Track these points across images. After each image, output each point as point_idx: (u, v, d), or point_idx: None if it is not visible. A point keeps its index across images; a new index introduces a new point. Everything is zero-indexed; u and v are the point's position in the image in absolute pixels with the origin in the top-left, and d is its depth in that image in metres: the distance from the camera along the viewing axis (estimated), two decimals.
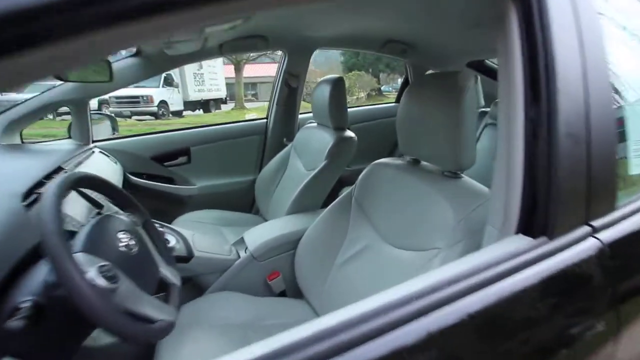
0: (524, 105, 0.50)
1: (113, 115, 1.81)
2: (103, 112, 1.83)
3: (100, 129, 1.70)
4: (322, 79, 1.51)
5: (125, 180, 1.63)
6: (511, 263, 0.44)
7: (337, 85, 1.41)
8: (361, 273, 0.98)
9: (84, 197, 1.04)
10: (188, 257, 1.03)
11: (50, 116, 7.05)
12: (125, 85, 1.45)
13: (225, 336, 0.92)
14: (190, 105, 11.40)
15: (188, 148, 1.75)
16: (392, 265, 0.90)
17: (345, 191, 1.13)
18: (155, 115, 9.51)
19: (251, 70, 14.68)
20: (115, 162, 1.56)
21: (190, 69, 11.35)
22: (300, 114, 2.00)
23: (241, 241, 1.24)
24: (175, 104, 10.55)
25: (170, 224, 1.56)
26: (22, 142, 1.41)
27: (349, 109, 1.76)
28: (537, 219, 0.48)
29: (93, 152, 1.47)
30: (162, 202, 1.75)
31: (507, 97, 0.52)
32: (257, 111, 10.01)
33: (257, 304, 1.07)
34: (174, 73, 10.79)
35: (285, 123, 1.88)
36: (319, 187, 1.41)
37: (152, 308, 0.63)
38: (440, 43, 1.66)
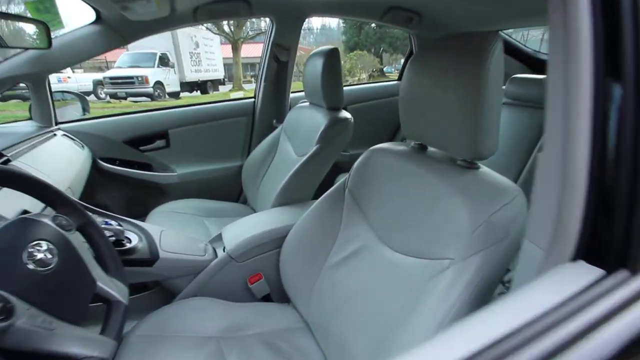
0: (593, 83, 0.32)
1: (82, 94, 1.62)
2: (71, 91, 1.63)
3: (69, 110, 1.52)
4: (314, 50, 1.31)
5: (95, 166, 1.46)
6: (600, 308, 0.28)
7: (332, 57, 1.22)
8: (355, 279, 0.83)
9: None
10: (152, 260, 0.88)
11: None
12: (87, 57, 1.26)
13: (194, 350, 0.78)
14: (187, 86, 11.06)
15: (166, 131, 1.57)
16: (392, 272, 0.74)
17: (342, 178, 0.97)
18: (151, 96, 9.23)
19: (250, 50, 14.18)
20: (82, 147, 1.39)
21: (186, 48, 10.96)
22: (293, 92, 1.81)
23: (219, 238, 1.08)
24: (172, 85, 10.24)
25: (146, 215, 1.42)
26: None
27: (346, 87, 1.57)
28: (611, 244, 0.31)
29: (55, 135, 1.29)
30: (139, 191, 1.59)
31: (563, 71, 0.35)
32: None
33: (235, 311, 0.92)
34: (170, 53, 10.44)
35: (274, 103, 1.69)
36: (310, 176, 1.25)
37: (70, 343, 0.48)
38: (452, 7, 1.44)
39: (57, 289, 0.50)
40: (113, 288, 0.62)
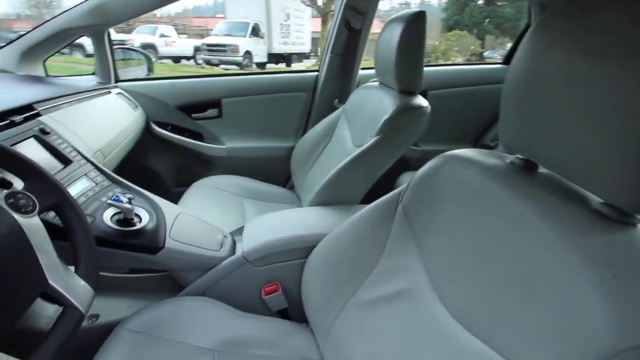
0: None
1: (149, 54, 1.59)
2: (138, 49, 1.61)
3: (133, 69, 1.50)
4: (393, 16, 1.03)
5: (148, 129, 1.43)
6: None
7: (414, 25, 0.93)
8: (387, 334, 0.60)
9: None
10: (155, 248, 0.76)
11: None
12: (144, 11, 1.17)
13: (177, 358, 0.65)
14: (274, 57, 11.30)
15: (219, 100, 1.46)
16: (446, 351, 0.49)
17: (407, 178, 0.72)
18: (239, 65, 9.66)
19: None
20: (135, 107, 1.35)
21: (277, 19, 11.12)
22: (365, 68, 1.54)
23: (241, 232, 0.93)
24: (260, 55, 10.55)
25: (189, 185, 1.35)
26: (47, 75, 1.27)
27: (430, 68, 1.25)
28: None
29: (109, 92, 1.27)
30: (187, 160, 1.53)
31: None
32: None
33: (241, 323, 0.77)
34: (262, 23, 10.70)
35: (339, 79, 1.45)
36: (362, 173, 1.00)
37: None
38: None
39: None
40: (72, 290, 0.50)
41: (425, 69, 1.00)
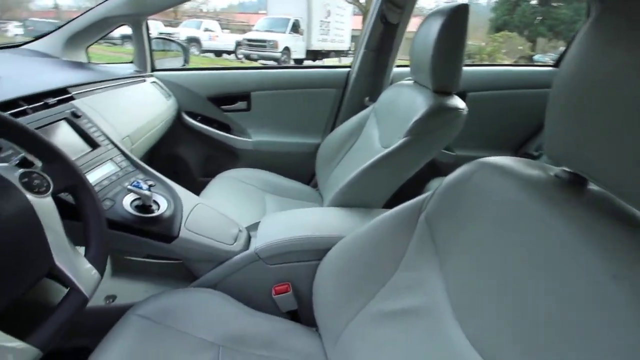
0: None
1: (185, 44, 1.63)
2: (176, 40, 1.65)
3: (169, 59, 1.54)
4: (435, 9, 0.96)
5: (179, 118, 1.46)
6: None
7: (455, 19, 0.86)
8: (398, 352, 0.55)
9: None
10: (170, 237, 0.75)
11: None
12: (180, 1, 1.18)
13: (188, 353, 0.64)
14: (311, 54, 11.33)
15: (248, 93, 1.46)
16: None
17: (437, 185, 0.66)
18: (277, 60, 9.78)
19: None
20: (168, 97, 1.38)
21: (317, 16, 11.12)
22: (400, 66, 1.47)
23: (257, 227, 0.91)
24: (298, 52, 10.62)
25: (215, 176, 1.36)
26: (89, 62, 1.33)
27: (470, 68, 1.17)
28: None
29: (144, 80, 1.30)
30: (214, 151, 1.55)
31: None
32: None
33: (249, 320, 0.75)
34: (302, 20, 10.75)
35: (372, 76, 1.39)
36: (386, 175, 0.95)
37: None
38: None
39: None
40: (78, 273, 0.50)
41: (466, 68, 0.93)
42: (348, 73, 1.45)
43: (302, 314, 0.84)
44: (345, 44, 13.03)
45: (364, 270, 0.67)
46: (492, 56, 12.24)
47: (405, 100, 1.02)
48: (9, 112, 0.68)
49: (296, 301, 0.82)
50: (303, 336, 0.75)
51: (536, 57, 13.75)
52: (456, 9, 0.86)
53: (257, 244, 0.82)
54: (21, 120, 0.69)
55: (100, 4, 1.17)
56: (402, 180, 0.96)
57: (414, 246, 0.62)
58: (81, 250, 0.55)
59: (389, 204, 1.00)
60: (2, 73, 0.89)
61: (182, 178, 1.61)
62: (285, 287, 0.81)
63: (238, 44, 10.94)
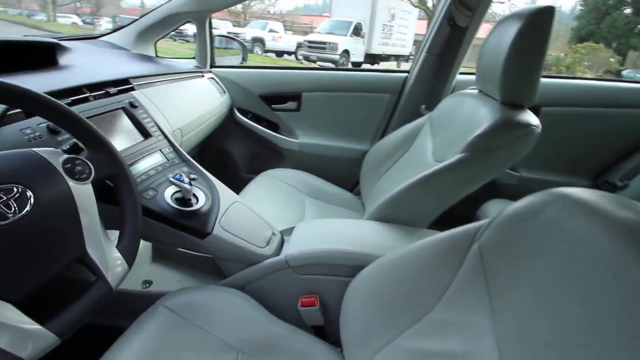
0: None
1: (244, 42, 1.66)
2: (236, 38, 1.69)
3: (228, 57, 1.59)
4: (508, 13, 0.85)
5: (231, 114, 1.49)
6: None
7: (536, 24, 0.75)
8: None
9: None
10: (204, 233, 0.75)
11: None
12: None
13: (208, 354, 0.63)
14: (370, 58, 11.20)
15: (300, 93, 1.44)
16: None
17: (495, 207, 0.57)
18: (335, 63, 9.82)
19: None
20: (223, 93, 1.41)
21: (381, 19, 10.97)
22: (464, 73, 1.35)
23: (291, 232, 0.88)
24: (357, 55, 10.57)
25: (258, 174, 1.37)
26: (157, 55, 1.41)
27: (548, 80, 1.04)
28: None
29: (202, 76, 1.34)
30: (261, 149, 1.56)
31: None
32: None
33: (272, 328, 0.72)
34: (364, 23, 10.68)
35: (431, 82, 1.29)
36: (437, 193, 0.86)
37: None
38: None
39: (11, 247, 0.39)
40: (107, 262, 0.50)
41: (542, 80, 0.80)
42: (405, 78, 1.37)
43: (328, 331, 0.79)
44: (406, 49, 12.69)
45: (399, 299, 0.60)
46: (570, 69, 11.07)
47: (467, 111, 0.92)
48: (73, 98, 0.72)
49: (322, 317, 0.77)
50: (325, 355, 0.70)
51: (625, 72, 12.14)
52: (539, 11, 0.74)
53: (288, 250, 0.79)
54: (82, 106, 0.74)
55: (169, 1, 1.24)
56: (453, 201, 0.86)
57: (460, 280, 0.54)
58: (114, 235, 0.56)
59: (436, 223, 0.91)
60: (77, 61, 0.96)
61: (228, 172, 1.65)
62: (312, 300, 0.77)
63: (299, 45, 11.19)
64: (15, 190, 0.41)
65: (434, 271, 0.57)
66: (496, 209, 1.31)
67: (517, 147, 0.78)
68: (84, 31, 11.66)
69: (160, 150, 0.86)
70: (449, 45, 1.22)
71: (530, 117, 0.79)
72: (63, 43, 1.01)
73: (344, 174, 1.48)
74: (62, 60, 0.93)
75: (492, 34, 0.86)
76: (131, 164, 0.76)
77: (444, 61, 1.25)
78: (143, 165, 0.79)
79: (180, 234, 0.75)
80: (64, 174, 0.48)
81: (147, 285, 0.90)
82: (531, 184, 1.35)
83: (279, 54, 11.42)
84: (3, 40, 0.81)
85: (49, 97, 0.48)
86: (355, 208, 1.29)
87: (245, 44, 1.69)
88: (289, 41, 11.66)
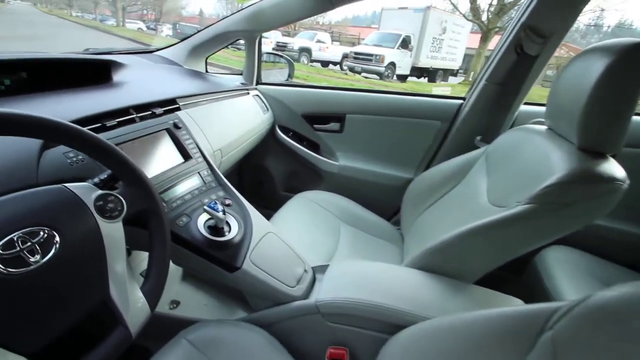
0: None
1: (292, 55, 1.65)
2: (285, 55, 1.68)
3: (274, 73, 1.58)
4: (593, 45, 0.73)
5: (272, 132, 1.47)
6: None
7: (628, 63, 0.63)
8: None
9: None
10: (233, 267, 0.71)
11: None
12: (295, 19, 1.18)
13: None
14: (417, 71, 10.93)
15: (344, 115, 1.38)
16: None
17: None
18: (380, 75, 9.71)
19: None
20: (266, 110, 1.40)
21: (431, 32, 10.70)
22: (529, 103, 1.21)
23: (325, 270, 0.81)
24: (403, 68, 10.38)
25: (296, 192, 1.33)
26: (206, 71, 1.43)
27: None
28: None
29: (247, 93, 1.34)
30: (300, 168, 1.52)
31: None
32: None
33: None
34: (414, 36, 10.48)
35: (490, 113, 1.17)
36: (495, 247, 0.75)
37: None
38: None
39: (31, 296, 0.37)
40: (129, 308, 0.47)
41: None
42: (460, 105, 1.26)
43: None
44: (456, 63, 12.25)
45: None
46: None
47: (533, 151, 0.81)
48: (119, 120, 0.72)
49: None
50: None
51: None
52: (633, 47, 0.63)
53: (319, 295, 0.72)
54: (127, 128, 0.74)
55: (222, 19, 1.25)
56: (513, 256, 0.75)
57: None
58: (140, 256, 0.54)
59: (486, 283, 0.80)
60: (130, 78, 0.98)
61: (264, 189, 1.64)
62: (341, 353, 0.70)
63: (345, 56, 11.23)
64: (42, 233, 0.40)
65: (490, 355, 0.48)
66: (559, 258, 1.15)
67: (597, 204, 0.66)
68: (148, 37, 12.64)
69: (198, 172, 0.84)
70: (513, 74, 1.10)
71: (615, 169, 0.67)
72: (119, 58, 1.05)
73: (383, 202, 1.39)
74: (117, 76, 0.96)
75: (570, 67, 0.75)
76: (168, 188, 0.75)
77: (505, 90, 1.13)
78: (180, 190, 0.77)
79: (210, 265, 0.72)
80: (94, 212, 0.45)
81: (175, 305, 0.88)
82: (604, 232, 1.17)
83: (325, 64, 11.54)
84: (65, 58, 0.84)
85: (89, 132, 0.47)
86: (392, 239, 1.20)
87: (293, 53, 1.68)
88: (335, 52, 11.75)
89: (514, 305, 0.74)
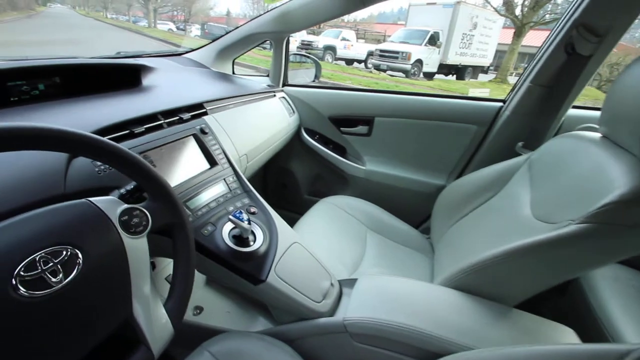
0: None
1: (317, 55, 1.61)
2: (312, 56, 1.64)
3: (300, 74, 1.55)
4: None
5: (298, 134, 1.44)
6: None
7: None
8: None
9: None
10: (257, 279, 0.68)
11: None
12: (324, 19, 1.13)
13: None
14: (445, 68, 10.59)
15: (372, 118, 1.33)
16: None
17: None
18: (406, 73, 9.48)
19: (534, 39, 11.70)
20: (292, 112, 1.37)
21: (461, 28, 10.32)
22: (578, 107, 1.11)
23: (353, 284, 0.77)
24: (430, 65, 10.08)
25: (320, 196, 1.29)
26: (233, 73, 1.42)
27: None
28: None
29: (274, 95, 1.31)
30: (325, 172, 1.48)
31: None
32: None
33: None
34: (442, 32, 10.15)
35: (534, 116, 1.08)
36: (542, 270, 0.68)
37: None
38: None
39: (37, 327, 0.35)
40: (152, 327, 0.45)
41: None
42: (499, 109, 1.18)
43: None
44: (487, 60, 11.77)
45: None
46: None
47: (586, 162, 0.72)
48: (147, 126, 0.71)
49: None
50: None
51: None
52: None
53: (347, 312, 0.68)
54: (155, 134, 0.73)
55: (249, 21, 1.23)
56: (565, 278, 0.67)
57: None
58: (164, 263, 0.52)
59: (528, 306, 0.73)
60: (159, 82, 0.98)
61: (288, 192, 1.62)
62: None
63: (370, 54, 11.05)
64: (64, 253, 0.38)
65: None
66: (609, 276, 1.05)
67: None
68: (178, 38, 13.00)
69: (224, 179, 0.82)
70: (562, 76, 1.00)
71: None
72: (149, 62, 1.05)
73: (412, 209, 1.33)
74: (146, 80, 0.96)
75: (634, 66, 0.67)
76: (194, 196, 0.73)
77: (552, 93, 1.03)
78: (205, 197, 0.75)
79: (234, 277, 0.69)
80: (119, 227, 0.44)
81: (198, 311, 0.87)
82: None
83: (349, 62, 11.42)
84: (96, 63, 0.85)
85: (115, 144, 0.45)
86: (421, 249, 1.14)
87: (317, 51, 1.64)
88: (359, 49, 11.60)
89: (565, 335, 0.67)
